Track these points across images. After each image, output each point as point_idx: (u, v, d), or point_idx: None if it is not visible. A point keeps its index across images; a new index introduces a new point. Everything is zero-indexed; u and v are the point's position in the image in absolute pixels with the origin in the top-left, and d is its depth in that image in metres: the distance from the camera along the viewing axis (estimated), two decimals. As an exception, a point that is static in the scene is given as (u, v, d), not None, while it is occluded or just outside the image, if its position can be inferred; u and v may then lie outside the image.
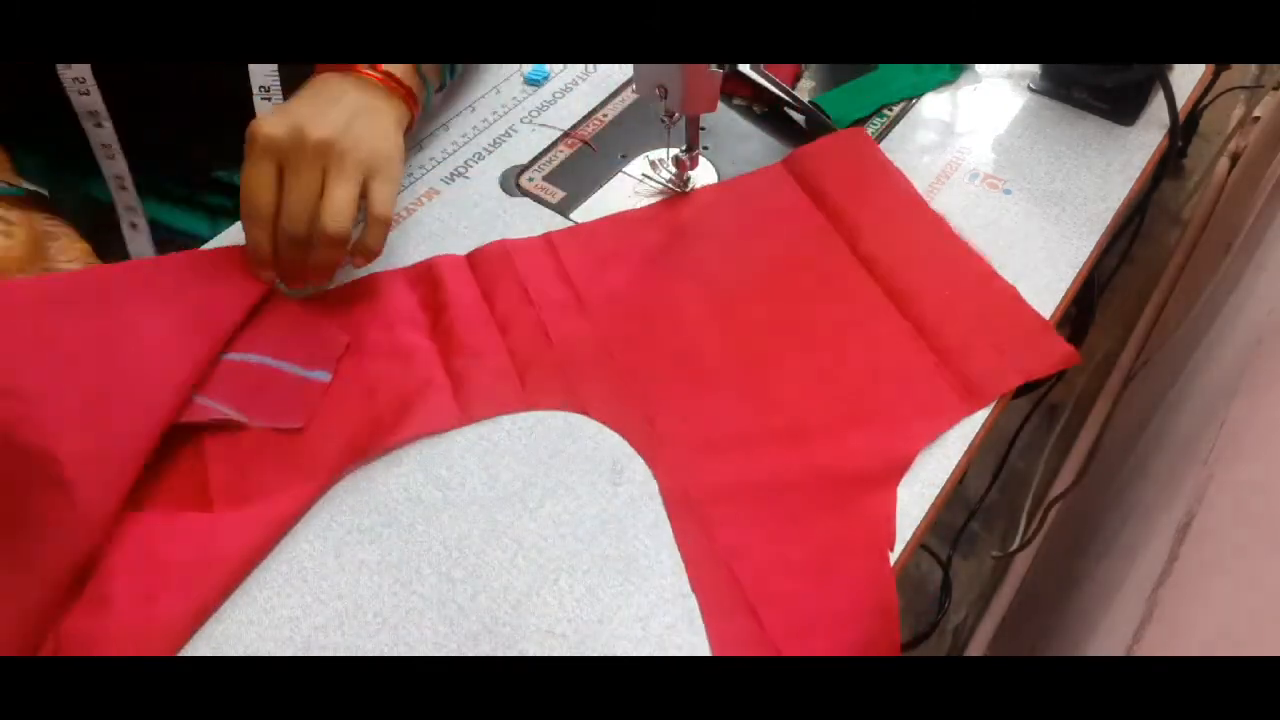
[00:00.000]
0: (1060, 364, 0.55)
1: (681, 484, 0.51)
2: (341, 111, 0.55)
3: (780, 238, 0.63)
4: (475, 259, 0.62)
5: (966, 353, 0.55)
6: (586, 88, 0.75)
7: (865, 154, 0.67)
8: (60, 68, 0.62)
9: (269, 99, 0.66)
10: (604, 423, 0.54)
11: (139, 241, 0.73)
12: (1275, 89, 1.52)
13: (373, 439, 0.53)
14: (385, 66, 0.59)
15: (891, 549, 0.49)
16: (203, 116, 0.68)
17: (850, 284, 0.60)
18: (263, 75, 0.67)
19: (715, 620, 0.47)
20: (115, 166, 0.68)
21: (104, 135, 0.66)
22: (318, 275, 0.56)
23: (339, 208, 0.53)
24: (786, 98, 0.71)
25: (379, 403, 0.54)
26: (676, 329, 0.58)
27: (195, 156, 0.72)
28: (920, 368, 0.55)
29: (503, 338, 0.57)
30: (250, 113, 0.66)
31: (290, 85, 0.67)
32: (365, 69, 0.59)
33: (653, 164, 0.68)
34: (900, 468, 0.51)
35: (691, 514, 0.50)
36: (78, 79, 0.63)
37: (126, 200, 0.70)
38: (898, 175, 0.66)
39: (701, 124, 0.65)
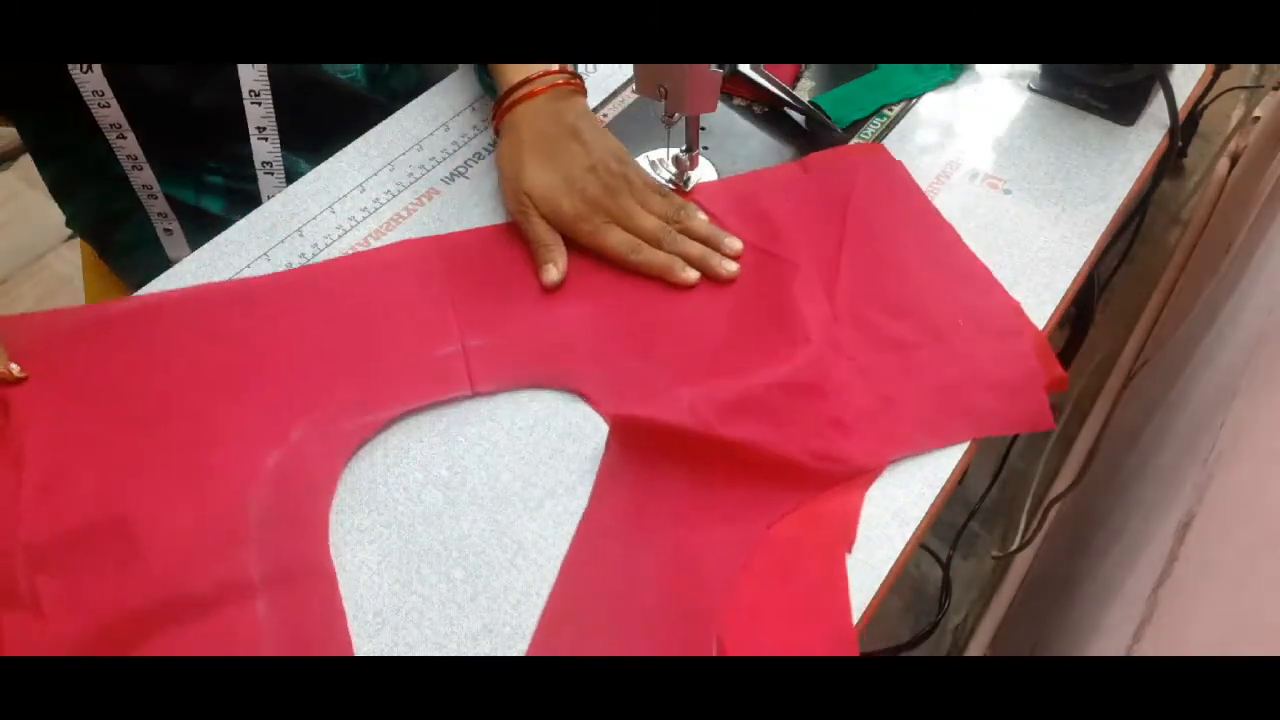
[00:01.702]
0: (1031, 426, 0.54)
1: (652, 466, 0.51)
2: (581, 143, 0.61)
3: (782, 239, 0.62)
4: (488, 235, 0.63)
5: (954, 390, 0.54)
6: (587, 87, 0.75)
7: (886, 167, 0.66)
8: (78, 79, 0.63)
9: (259, 103, 0.67)
10: (594, 405, 0.55)
11: (175, 245, 0.73)
12: (1275, 89, 1.52)
13: (387, 401, 0.54)
14: (562, 65, 0.63)
15: (849, 550, 0.49)
16: (199, 122, 0.69)
17: (850, 288, 0.59)
18: (251, 80, 0.67)
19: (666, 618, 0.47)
20: (143, 177, 0.69)
21: (129, 147, 0.67)
22: (713, 242, 0.61)
23: (671, 211, 0.62)
24: (786, 98, 0.71)
25: (392, 366, 0.56)
26: (668, 320, 0.59)
27: (195, 158, 0.72)
28: (901, 382, 0.55)
29: (511, 314, 0.59)
30: (241, 115, 0.67)
31: (279, 91, 0.68)
32: (557, 79, 0.62)
33: (653, 164, 0.68)
34: (869, 477, 0.51)
35: (659, 497, 0.50)
36: (97, 92, 0.63)
37: (158, 208, 0.71)
38: (915, 189, 0.65)
39: (701, 124, 0.65)
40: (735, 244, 0.61)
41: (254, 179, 0.72)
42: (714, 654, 0.45)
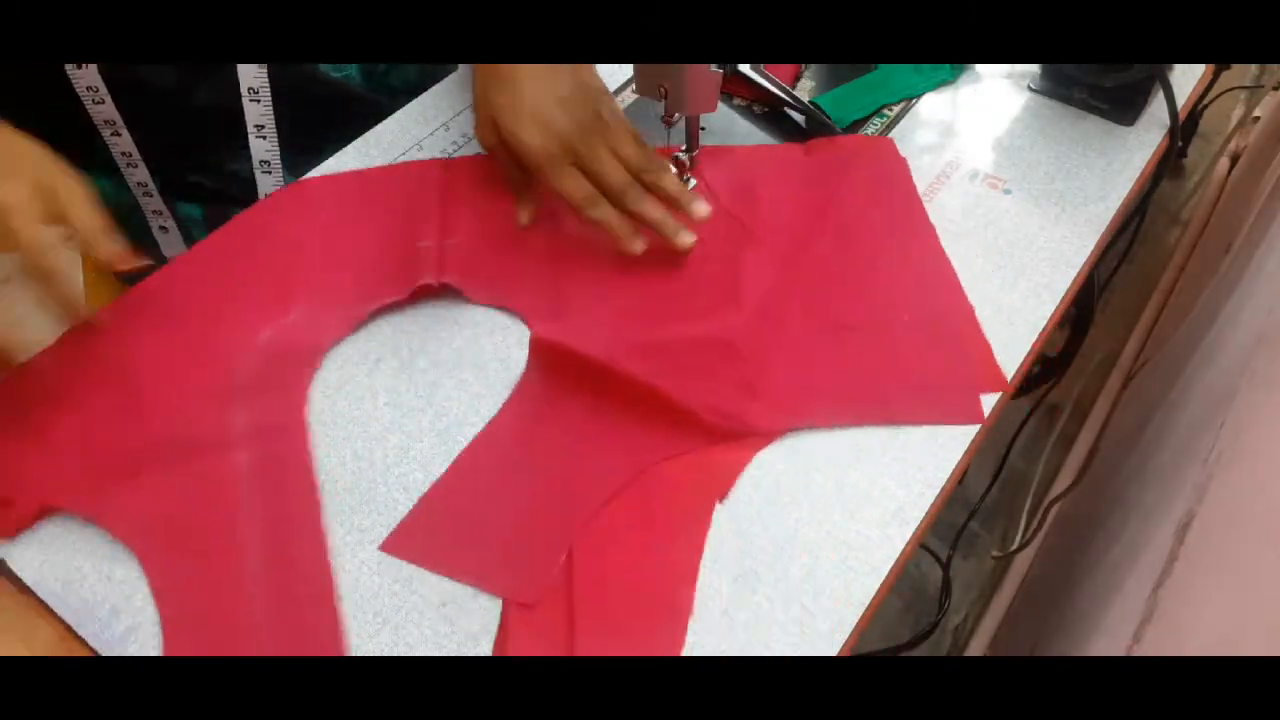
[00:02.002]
0: (958, 419, 0.53)
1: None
2: (556, 69, 0.58)
3: (754, 209, 0.64)
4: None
5: (877, 374, 0.55)
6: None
7: (887, 160, 0.67)
8: (73, 76, 0.63)
9: (258, 100, 0.67)
10: (527, 323, 0.58)
11: (171, 242, 0.73)
12: (1275, 89, 1.52)
13: (372, 292, 0.59)
14: None
15: (720, 500, 0.50)
16: (196, 119, 0.69)
17: (809, 267, 0.60)
18: (250, 77, 0.67)
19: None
20: (138, 174, 0.69)
21: (123, 144, 0.67)
22: (678, 204, 0.59)
23: (643, 163, 0.59)
24: (786, 98, 0.71)
25: (379, 258, 0.61)
26: (620, 261, 0.60)
27: (188, 158, 0.72)
28: (827, 360, 0.56)
29: (488, 228, 0.63)
30: (239, 113, 0.67)
31: (279, 88, 0.67)
32: None
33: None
34: (764, 439, 0.52)
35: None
36: (91, 88, 0.63)
37: (153, 205, 0.71)
38: (909, 185, 0.65)
39: (701, 124, 0.65)
40: (701, 209, 0.59)
41: (240, 187, 0.72)
42: (561, 568, 0.48)
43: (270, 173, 0.71)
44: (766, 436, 0.53)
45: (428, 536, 0.50)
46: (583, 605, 0.46)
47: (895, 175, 0.66)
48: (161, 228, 0.73)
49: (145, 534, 0.49)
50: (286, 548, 0.49)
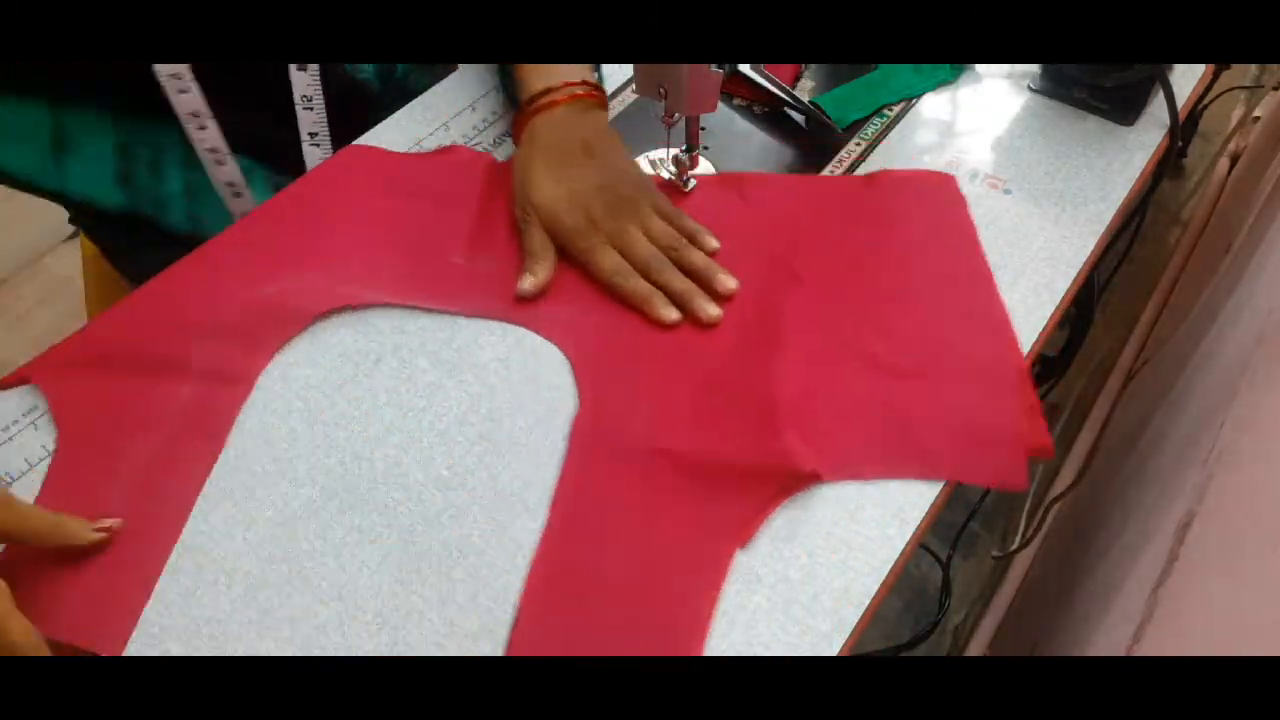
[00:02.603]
0: (1000, 483, 0.52)
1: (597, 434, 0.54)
2: (594, 160, 0.62)
3: (802, 249, 0.62)
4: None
5: (917, 427, 0.53)
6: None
7: (948, 200, 0.65)
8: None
9: (310, 109, 0.67)
10: (562, 349, 0.58)
11: (244, 206, 0.72)
12: (1275, 89, 1.52)
13: (382, 286, 0.60)
14: (584, 78, 0.63)
15: (736, 551, 0.49)
16: (250, 118, 0.68)
17: (859, 307, 0.59)
18: (304, 85, 0.67)
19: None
20: (209, 138, 0.68)
21: (193, 102, 0.66)
22: (704, 279, 0.60)
23: (671, 240, 0.61)
24: (786, 98, 0.71)
25: (398, 261, 0.62)
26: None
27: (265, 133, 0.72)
28: (871, 409, 0.54)
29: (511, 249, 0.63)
30: (292, 119, 0.66)
31: (329, 90, 0.67)
32: (577, 89, 0.63)
33: (653, 164, 0.68)
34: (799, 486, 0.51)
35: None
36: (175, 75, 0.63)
37: (225, 175, 0.70)
38: (969, 228, 0.63)
39: (701, 124, 0.65)
40: (729, 283, 0.59)
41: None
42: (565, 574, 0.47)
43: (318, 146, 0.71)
44: (797, 485, 0.51)
45: (556, 631, 0.47)
46: (587, 636, 0.46)
47: (956, 214, 0.64)
48: (236, 194, 0.72)
49: (72, 414, 0.54)
50: (159, 489, 0.51)
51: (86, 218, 0.77)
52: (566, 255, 0.61)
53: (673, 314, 0.58)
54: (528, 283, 0.59)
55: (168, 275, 0.61)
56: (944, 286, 0.60)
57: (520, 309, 0.60)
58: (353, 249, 0.62)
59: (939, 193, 0.65)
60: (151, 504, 0.51)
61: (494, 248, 0.63)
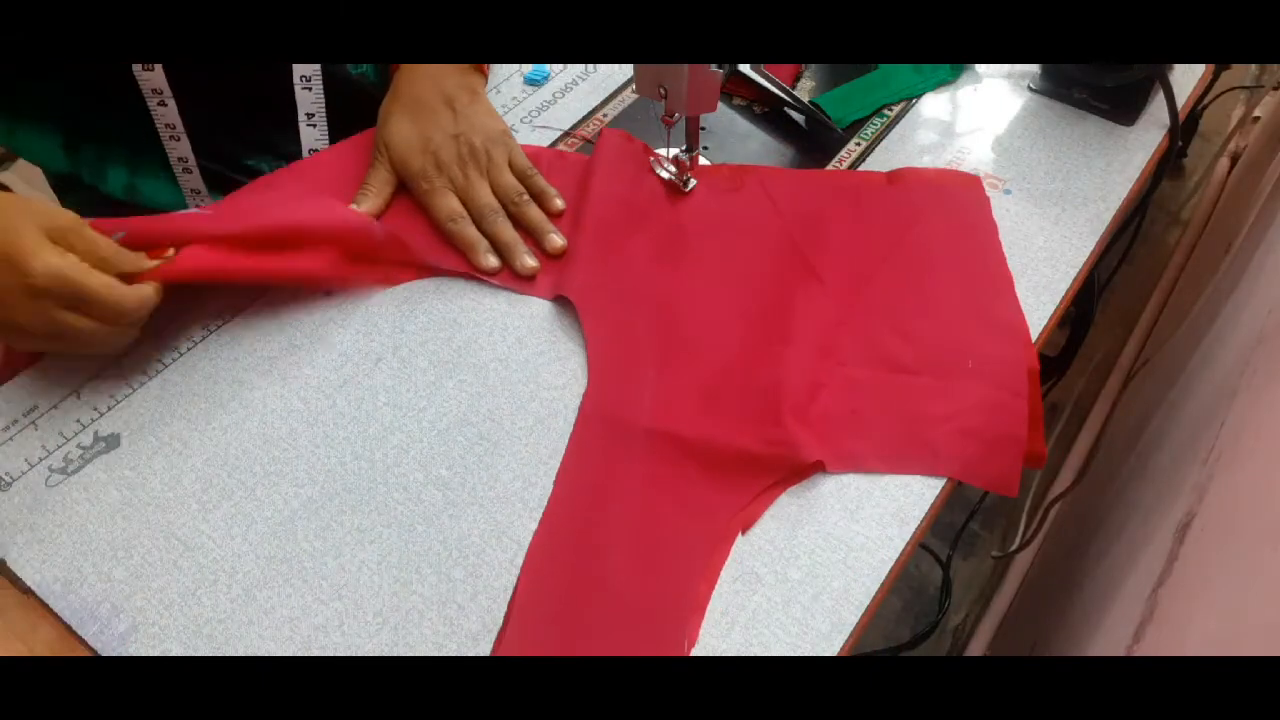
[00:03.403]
0: (995, 486, 0.52)
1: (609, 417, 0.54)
2: (454, 112, 0.64)
3: (821, 244, 0.62)
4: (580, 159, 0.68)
5: (927, 424, 0.53)
6: (586, 88, 0.75)
7: (972, 201, 0.65)
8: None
9: (309, 89, 0.67)
10: (582, 321, 0.58)
11: (193, 184, 0.72)
12: (1275, 89, 1.52)
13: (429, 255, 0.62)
14: None
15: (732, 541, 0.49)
16: (246, 103, 0.68)
17: (874, 303, 0.59)
18: (304, 66, 0.67)
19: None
20: (180, 149, 0.68)
21: (168, 115, 0.66)
22: (536, 234, 0.63)
23: (513, 195, 0.63)
24: (786, 98, 0.71)
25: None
26: (676, 291, 0.60)
27: (233, 143, 0.72)
28: (881, 403, 0.54)
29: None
30: (291, 102, 0.66)
31: (327, 75, 0.67)
32: None
33: (653, 164, 0.68)
34: (791, 474, 0.51)
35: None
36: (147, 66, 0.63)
37: (191, 184, 0.70)
38: (991, 229, 0.63)
39: (701, 124, 0.65)
40: (558, 241, 0.62)
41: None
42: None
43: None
44: (800, 474, 0.51)
45: (545, 627, 0.47)
46: (585, 614, 0.46)
47: (978, 215, 0.64)
48: (198, 206, 0.72)
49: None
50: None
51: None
52: (410, 195, 0.64)
53: (492, 261, 0.61)
54: (352, 208, 0.62)
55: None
56: (964, 287, 0.60)
57: (556, 282, 0.61)
58: (407, 217, 0.64)
59: (964, 193, 0.65)
60: None
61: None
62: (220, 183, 0.71)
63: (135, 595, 0.48)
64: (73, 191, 0.74)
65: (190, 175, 0.70)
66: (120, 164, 0.71)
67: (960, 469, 0.52)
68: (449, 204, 0.62)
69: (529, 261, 0.61)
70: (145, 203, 0.70)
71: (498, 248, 0.61)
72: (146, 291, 0.52)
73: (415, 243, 0.62)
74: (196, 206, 0.71)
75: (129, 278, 0.52)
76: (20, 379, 0.56)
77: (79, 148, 0.70)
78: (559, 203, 0.64)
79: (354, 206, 0.62)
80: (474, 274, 0.61)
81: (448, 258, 0.62)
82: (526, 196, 0.63)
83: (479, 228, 0.62)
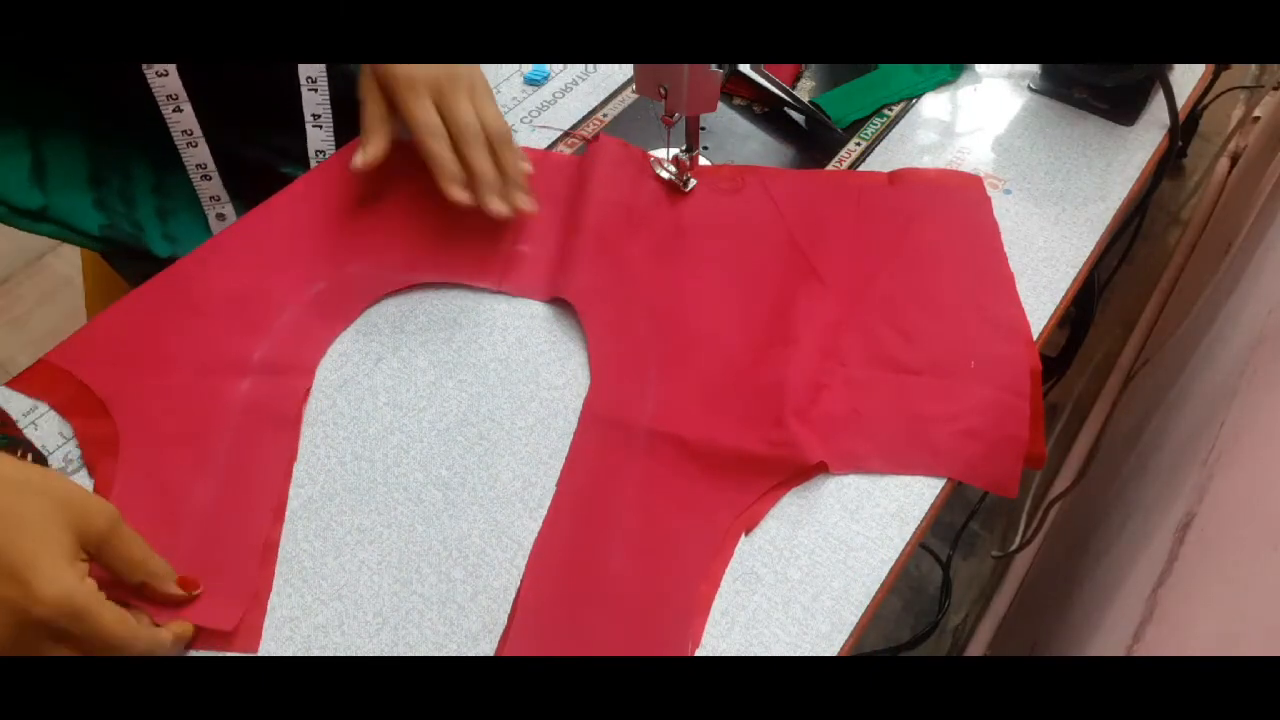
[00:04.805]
0: (995, 487, 0.52)
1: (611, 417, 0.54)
2: (440, 67, 0.60)
3: (823, 244, 0.62)
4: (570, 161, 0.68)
5: (929, 424, 0.53)
6: (586, 88, 0.75)
7: (972, 202, 0.65)
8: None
9: (315, 90, 0.67)
10: (583, 323, 0.58)
11: (213, 190, 0.71)
12: (1275, 89, 1.52)
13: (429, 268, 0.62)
14: None
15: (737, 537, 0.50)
16: (252, 105, 0.68)
17: (876, 304, 0.59)
18: (309, 66, 0.67)
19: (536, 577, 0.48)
20: (198, 155, 0.67)
21: (184, 121, 0.65)
22: (510, 182, 0.60)
23: (500, 129, 0.60)
24: (786, 98, 0.71)
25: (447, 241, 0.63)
26: (676, 291, 0.60)
27: (240, 145, 0.71)
28: (883, 403, 0.54)
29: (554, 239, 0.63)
30: (298, 104, 0.66)
31: (335, 78, 0.67)
32: None
33: (653, 164, 0.68)
34: (794, 475, 0.51)
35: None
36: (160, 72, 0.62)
37: (211, 190, 0.70)
38: (992, 228, 0.63)
39: (701, 124, 0.65)
40: (524, 202, 0.60)
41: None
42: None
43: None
44: (803, 475, 0.51)
45: (549, 628, 0.47)
46: (589, 615, 0.47)
47: (979, 216, 0.64)
48: (219, 215, 0.71)
49: (138, 427, 0.53)
50: (243, 475, 0.52)
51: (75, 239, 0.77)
52: (394, 108, 0.60)
53: (462, 195, 0.58)
54: (358, 159, 0.60)
55: (208, 284, 0.60)
56: (965, 288, 0.60)
57: (555, 284, 0.60)
58: (395, 229, 0.63)
59: (965, 193, 0.65)
60: (243, 493, 0.51)
61: (538, 228, 0.63)
62: (238, 189, 0.71)
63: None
64: (115, 258, 0.74)
65: (209, 182, 0.69)
66: (146, 190, 0.70)
67: (962, 469, 0.52)
68: (431, 116, 0.58)
69: (502, 207, 0.59)
70: (182, 251, 0.66)
71: (472, 178, 0.59)
72: (163, 640, 0.43)
73: (399, 260, 0.62)
74: (217, 216, 0.71)
75: (148, 588, 0.45)
76: (20, 379, 0.57)
77: (105, 180, 0.69)
78: (527, 166, 0.61)
79: (358, 157, 0.60)
80: (467, 284, 0.61)
81: (434, 273, 0.61)
82: (510, 140, 0.60)
83: (457, 149, 0.59)
